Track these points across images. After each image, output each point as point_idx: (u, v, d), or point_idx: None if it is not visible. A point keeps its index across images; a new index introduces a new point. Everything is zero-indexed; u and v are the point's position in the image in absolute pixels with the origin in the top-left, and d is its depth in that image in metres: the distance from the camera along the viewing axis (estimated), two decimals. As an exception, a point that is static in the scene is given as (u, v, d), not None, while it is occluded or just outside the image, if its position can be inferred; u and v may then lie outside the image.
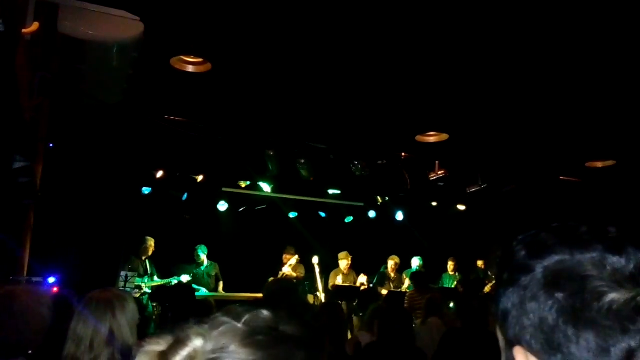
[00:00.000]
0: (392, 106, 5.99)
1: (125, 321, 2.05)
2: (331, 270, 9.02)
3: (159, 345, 0.67)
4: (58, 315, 2.77)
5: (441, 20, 4.21)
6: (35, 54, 3.57)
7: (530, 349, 0.67)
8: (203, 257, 8.61)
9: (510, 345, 0.71)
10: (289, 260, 8.82)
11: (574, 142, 6.95)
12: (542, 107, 5.96)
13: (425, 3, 3.98)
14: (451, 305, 8.14)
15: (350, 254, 8.99)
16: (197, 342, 0.67)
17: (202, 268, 8.58)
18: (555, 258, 0.68)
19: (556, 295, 0.65)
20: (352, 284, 8.61)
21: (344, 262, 8.89)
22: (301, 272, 8.82)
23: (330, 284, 8.76)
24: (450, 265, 9.69)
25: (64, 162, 5.93)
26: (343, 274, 8.85)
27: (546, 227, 0.76)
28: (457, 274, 9.60)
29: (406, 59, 4.87)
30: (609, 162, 7.68)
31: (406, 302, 7.33)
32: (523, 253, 0.72)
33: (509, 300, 0.71)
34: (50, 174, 5.43)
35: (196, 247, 8.64)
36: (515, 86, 5.46)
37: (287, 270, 8.70)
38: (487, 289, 9.25)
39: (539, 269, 0.69)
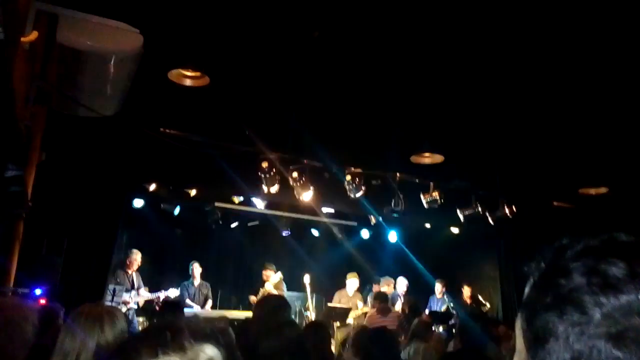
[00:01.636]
0: (388, 125, 6.01)
1: (112, 337, 2.01)
2: (322, 289, 8.94)
3: None
4: (43, 329, 2.71)
5: (441, 41, 4.24)
6: (33, 63, 3.55)
7: None
8: (197, 273, 8.52)
9: None
10: (268, 277, 8.70)
11: (567, 168, 7.00)
12: (537, 132, 6.00)
13: (421, 23, 4.02)
14: (440, 329, 8.07)
15: (347, 273, 8.81)
16: (210, 351, 0.67)
17: (196, 285, 8.49)
18: (623, 300, 0.59)
19: (615, 353, 0.58)
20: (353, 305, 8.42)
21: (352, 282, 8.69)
22: (282, 289, 8.68)
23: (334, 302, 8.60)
24: (438, 287, 9.55)
25: (56, 172, 5.88)
26: (347, 295, 8.65)
27: (612, 242, 0.66)
28: (445, 297, 9.50)
29: (405, 79, 4.90)
30: (602, 190, 7.73)
31: (366, 322, 7.23)
32: (580, 281, 0.62)
33: (549, 327, 0.63)
34: (42, 184, 5.38)
35: (191, 263, 8.55)
36: (510, 111, 5.50)
37: (268, 287, 8.58)
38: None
39: (597, 313, 0.60)
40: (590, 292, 0.61)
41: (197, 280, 8.51)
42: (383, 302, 7.52)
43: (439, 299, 9.49)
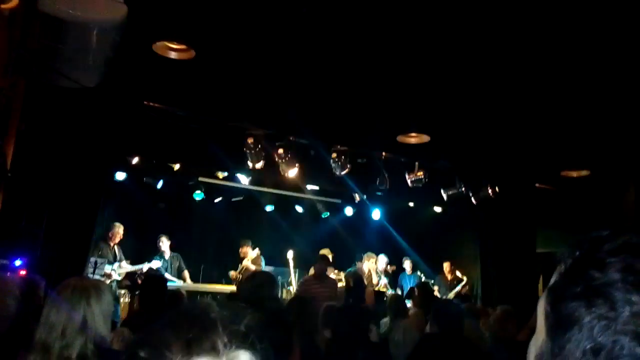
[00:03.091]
0: (375, 105, 5.99)
1: (99, 310, 2.01)
2: (305, 264, 8.99)
3: None
4: (25, 301, 2.69)
5: (429, 22, 4.21)
6: (13, 31, 3.44)
7: None
8: (166, 247, 8.49)
9: (551, 351, 0.67)
10: (246, 254, 8.73)
11: (550, 150, 7.07)
12: (521, 115, 6.04)
13: (410, 4, 3.98)
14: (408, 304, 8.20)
15: (327, 250, 8.87)
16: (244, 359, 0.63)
17: (166, 258, 8.48)
18: None
19: (637, 351, 0.59)
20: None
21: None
22: (260, 264, 8.72)
23: None
24: (408, 264, 9.74)
25: (36, 143, 5.76)
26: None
27: None
28: (418, 273, 9.68)
29: (393, 59, 4.87)
30: (584, 172, 7.85)
31: (301, 287, 7.06)
32: (615, 277, 0.63)
33: (575, 316, 0.64)
34: (22, 155, 5.28)
35: (159, 237, 8.51)
36: (496, 94, 5.52)
37: (246, 263, 8.62)
38: (458, 290, 9.40)
39: (626, 310, 0.61)
40: (623, 289, 0.62)
41: (167, 254, 8.50)
42: (321, 265, 7.11)
43: (410, 275, 9.68)
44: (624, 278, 0.62)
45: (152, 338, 0.66)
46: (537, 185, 8.61)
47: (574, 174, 7.89)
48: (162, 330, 0.66)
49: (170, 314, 0.69)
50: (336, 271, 8.82)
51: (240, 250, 8.82)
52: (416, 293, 6.88)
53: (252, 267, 8.42)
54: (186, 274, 8.61)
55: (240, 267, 8.65)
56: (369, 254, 9.23)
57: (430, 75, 5.15)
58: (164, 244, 8.49)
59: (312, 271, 7.33)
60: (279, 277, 8.75)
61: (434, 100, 5.75)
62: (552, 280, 0.71)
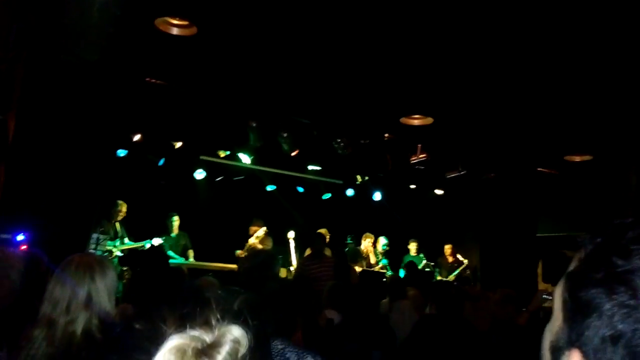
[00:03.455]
0: (379, 86, 5.94)
1: (103, 286, 2.01)
2: (306, 245, 9.02)
3: (192, 340, 0.63)
4: (28, 275, 2.70)
5: (434, 3, 4.15)
6: (13, 4, 3.40)
7: (587, 356, 0.63)
8: (175, 225, 8.51)
9: (569, 337, 0.66)
10: (255, 232, 8.75)
11: (553, 135, 7.04)
12: (525, 99, 6.00)
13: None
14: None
15: (328, 231, 8.88)
16: (237, 333, 0.64)
17: (173, 236, 8.51)
18: None
19: None
20: None
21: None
22: (268, 244, 8.74)
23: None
24: (413, 246, 9.78)
25: (38, 118, 5.74)
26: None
27: None
28: (421, 255, 9.73)
29: (397, 40, 4.81)
30: (587, 157, 7.82)
31: (299, 267, 6.99)
32: (638, 264, 0.61)
33: (595, 302, 0.63)
34: (24, 130, 5.26)
35: (170, 215, 8.54)
36: (501, 77, 5.48)
37: (253, 241, 8.63)
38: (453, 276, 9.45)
39: None
40: None
41: (175, 232, 8.53)
42: (318, 244, 7.07)
43: (414, 257, 9.73)
44: None
45: (148, 312, 0.69)
46: (539, 169, 8.58)
47: (577, 158, 7.85)
48: (157, 305, 0.70)
49: (166, 292, 0.73)
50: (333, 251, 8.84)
51: (250, 228, 8.83)
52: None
53: (259, 247, 8.44)
54: (191, 253, 8.64)
55: (246, 245, 8.66)
56: (367, 234, 9.26)
57: (434, 57, 5.10)
58: (176, 222, 8.50)
59: (308, 251, 7.34)
60: (280, 257, 8.80)
61: (438, 82, 5.70)
62: (571, 267, 0.70)
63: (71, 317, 1.90)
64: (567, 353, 0.66)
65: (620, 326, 0.60)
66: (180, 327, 0.64)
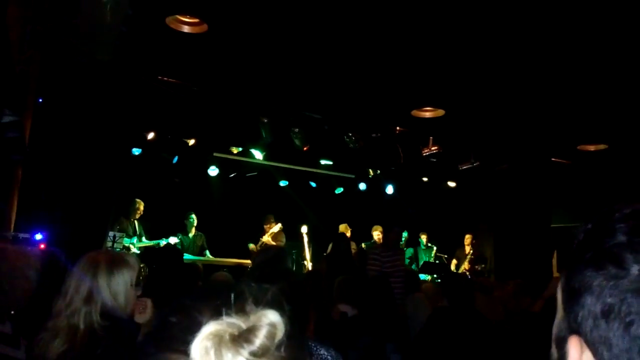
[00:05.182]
0: (389, 79, 5.93)
1: (106, 284, 2.03)
2: (318, 240, 9.04)
3: (229, 326, 0.63)
4: (45, 274, 2.76)
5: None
6: (28, 5, 3.46)
7: (586, 338, 0.63)
8: (193, 225, 8.59)
9: (569, 325, 0.67)
10: (270, 228, 8.82)
11: (567, 124, 6.97)
12: (537, 88, 5.94)
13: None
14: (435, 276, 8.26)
15: (345, 225, 8.89)
16: (273, 317, 0.65)
17: (190, 237, 8.59)
18: None
19: None
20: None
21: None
22: (282, 240, 8.79)
23: None
24: (423, 239, 9.75)
25: (53, 118, 5.83)
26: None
27: None
28: (432, 246, 9.70)
29: (407, 33, 4.80)
30: (601, 146, 7.72)
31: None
32: (623, 239, 0.62)
33: (585, 282, 0.63)
34: (40, 130, 5.34)
35: (188, 215, 8.61)
36: (512, 67, 5.43)
37: (266, 238, 8.70)
38: (465, 266, 9.38)
39: (635, 269, 0.60)
40: (631, 249, 0.61)
41: (192, 233, 8.60)
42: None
43: (425, 249, 9.72)
44: (630, 240, 0.62)
45: (183, 305, 0.69)
46: (552, 159, 8.50)
47: (592, 147, 7.76)
48: (191, 299, 0.70)
49: (183, 288, 0.73)
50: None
51: (265, 226, 8.91)
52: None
53: (272, 243, 8.51)
54: (207, 253, 8.71)
55: (260, 241, 8.73)
56: (376, 226, 9.28)
57: (445, 49, 5.07)
58: (193, 221, 8.58)
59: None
60: (294, 252, 8.86)
61: (449, 73, 5.67)
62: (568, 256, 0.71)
63: (71, 310, 1.94)
64: (568, 341, 0.66)
65: (609, 299, 0.61)
66: (216, 316, 0.65)
